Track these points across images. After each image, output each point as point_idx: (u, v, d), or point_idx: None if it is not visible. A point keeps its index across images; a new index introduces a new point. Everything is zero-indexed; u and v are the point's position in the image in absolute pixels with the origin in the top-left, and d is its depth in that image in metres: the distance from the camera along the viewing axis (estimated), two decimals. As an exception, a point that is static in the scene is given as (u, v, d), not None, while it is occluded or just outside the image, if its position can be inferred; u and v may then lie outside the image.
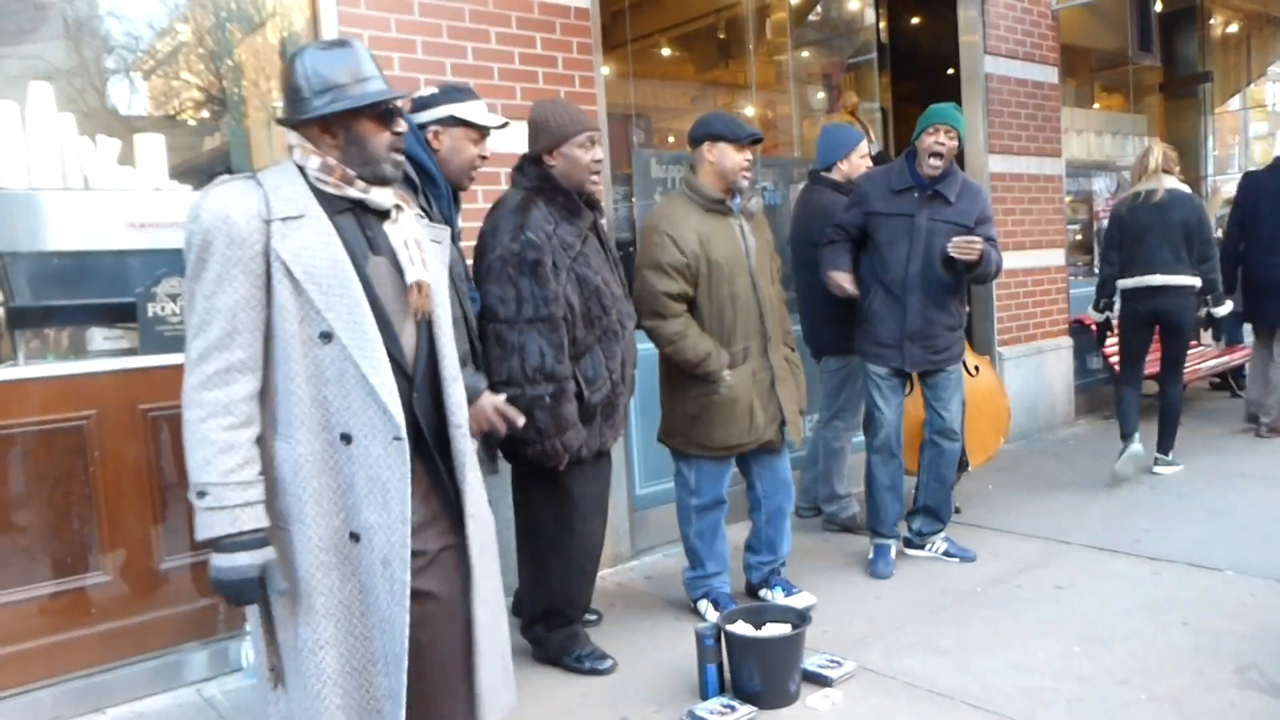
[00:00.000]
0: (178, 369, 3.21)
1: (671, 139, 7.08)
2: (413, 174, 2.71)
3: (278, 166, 1.99)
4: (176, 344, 3.27)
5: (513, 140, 3.74)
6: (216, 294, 1.84)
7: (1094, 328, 5.91)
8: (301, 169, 1.97)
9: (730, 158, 3.48)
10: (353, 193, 1.97)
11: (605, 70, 4.56)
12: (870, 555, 4.16)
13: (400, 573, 1.92)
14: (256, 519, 1.87)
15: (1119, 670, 3.07)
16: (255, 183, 1.92)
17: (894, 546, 4.18)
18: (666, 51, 7.39)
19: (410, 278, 1.99)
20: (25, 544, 3.07)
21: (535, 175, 3.12)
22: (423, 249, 2.06)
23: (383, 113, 1.98)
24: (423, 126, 2.89)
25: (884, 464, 4.12)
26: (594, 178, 3.17)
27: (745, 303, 3.52)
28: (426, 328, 2.06)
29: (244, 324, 1.85)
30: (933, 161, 3.92)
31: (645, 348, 4.44)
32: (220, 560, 1.86)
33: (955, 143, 3.93)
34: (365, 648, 1.95)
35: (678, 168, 5.18)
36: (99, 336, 3.46)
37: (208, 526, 1.85)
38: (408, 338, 2.01)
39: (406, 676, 1.93)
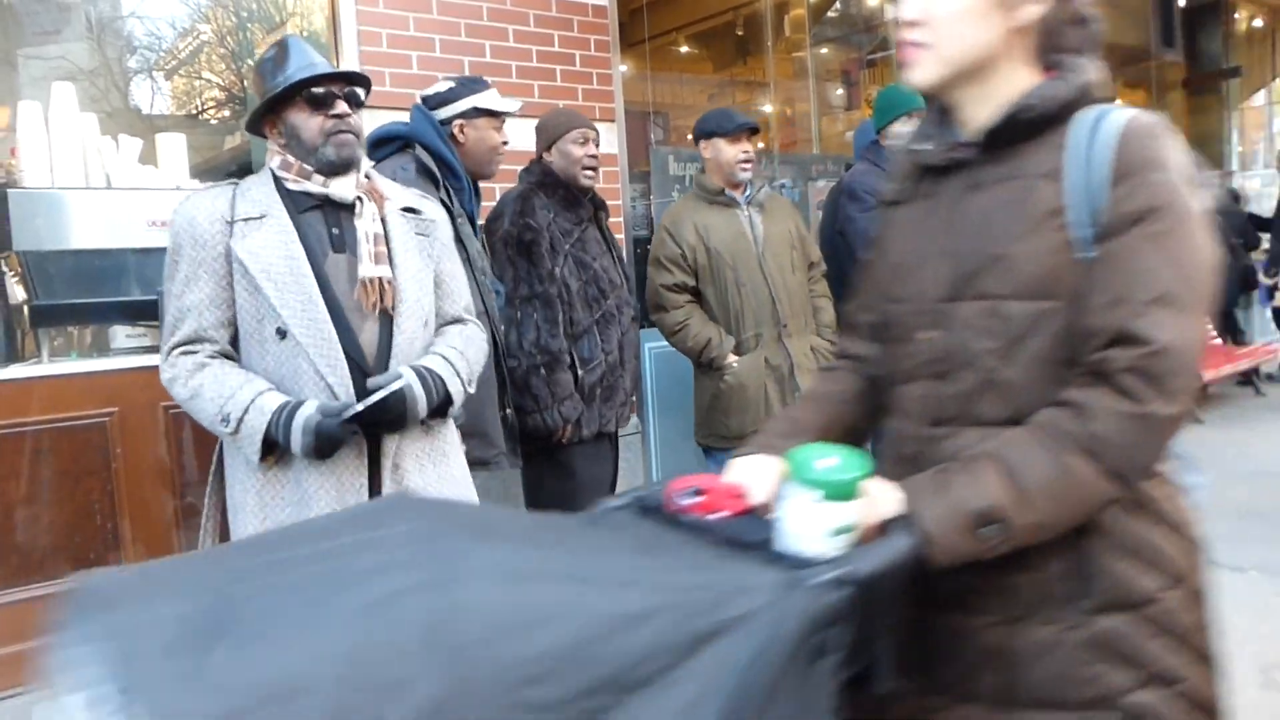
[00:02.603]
0: (199, 366, 3.29)
1: (690, 136, 7.08)
2: (433, 167, 2.73)
3: (261, 172, 2.04)
4: (197, 342, 3.30)
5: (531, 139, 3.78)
6: (186, 293, 1.91)
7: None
8: (270, 170, 2.00)
9: (724, 151, 3.55)
10: (313, 187, 1.97)
11: (623, 68, 4.56)
12: None
13: None
14: (277, 396, 1.87)
15: (1140, 670, 3.04)
16: (230, 187, 1.97)
17: None
18: (684, 48, 7.39)
19: (361, 273, 1.96)
20: (49, 540, 3.10)
21: (538, 171, 3.31)
22: (382, 242, 2.01)
23: (311, 98, 1.95)
24: (445, 122, 2.91)
25: None
26: (587, 172, 3.29)
27: (754, 289, 3.54)
28: (387, 324, 2.00)
29: (209, 321, 1.92)
30: None
31: (657, 346, 4.45)
32: (292, 445, 1.84)
33: None
34: None
35: (696, 165, 5.18)
36: (121, 334, 3.49)
37: (252, 435, 1.84)
38: (368, 334, 1.98)
39: None
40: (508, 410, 2.87)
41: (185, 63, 5.30)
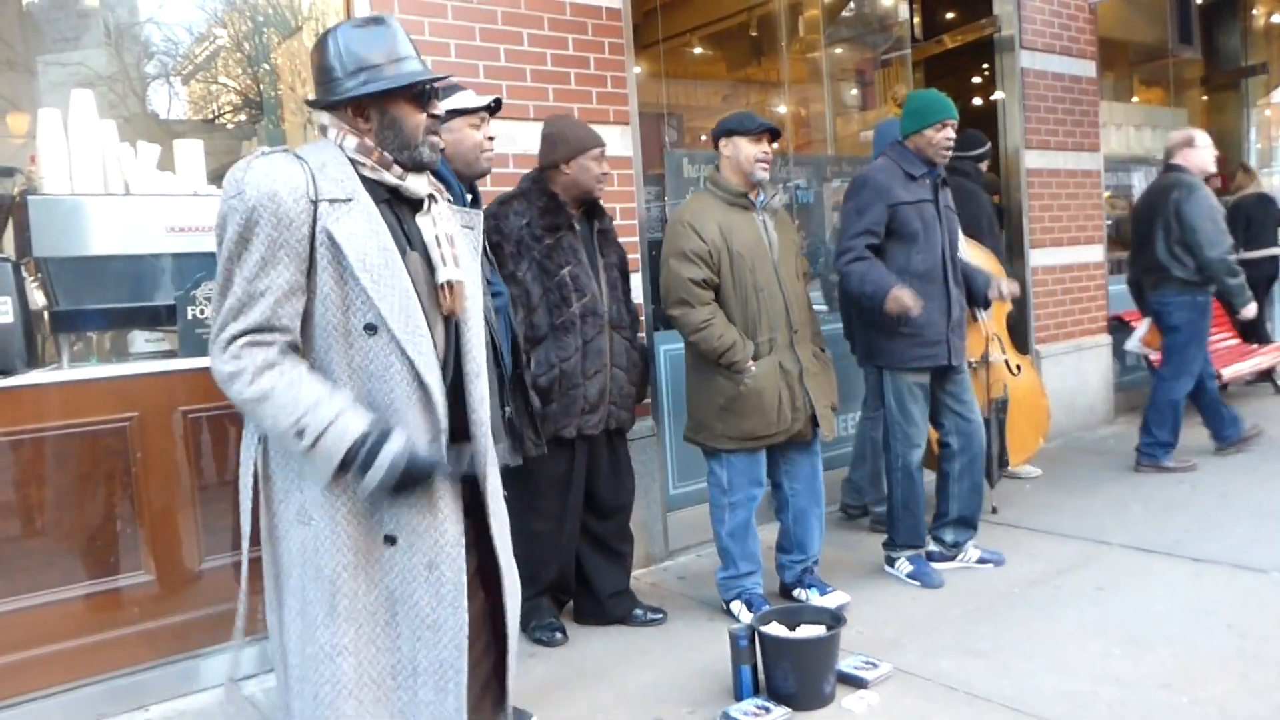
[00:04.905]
0: (217, 371, 3.31)
1: (704, 138, 7.07)
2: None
3: (315, 144, 1.88)
4: (215, 346, 3.32)
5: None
6: (259, 277, 1.73)
7: None
8: (340, 149, 1.87)
9: (744, 150, 3.58)
10: (389, 178, 1.87)
11: (637, 70, 4.56)
12: (909, 569, 3.96)
13: (451, 575, 1.83)
14: (362, 417, 1.74)
15: (1161, 673, 3.02)
16: (298, 159, 1.80)
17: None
18: (698, 50, 7.38)
19: (441, 277, 1.88)
20: (69, 544, 3.12)
21: (530, 179, 3.50)
22: (455, 243, 1.94)
23: (419, 93, 1.88)
24: None
25: (920, 478, 3.97)
26: (600, 187, 3.50)
27: (770, 294, 3.55)
28: (454, 324, 1.95)
29: (286, 310, 1.76)
30: (944, 153, 3.86)
31: (672, 348, 4.45)
32: (370, 478, 1.71)
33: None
34: (388, 658, 1.84)
35: (710, 167, 5.16)
36: (140, 339, 3.52)
37: (328, 456, 1.71)
38: (438, 336, 1.90)
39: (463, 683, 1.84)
40: (506, 408, 2.91)
41: (202, 68, 5.33)
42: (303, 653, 1.83)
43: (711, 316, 3.50)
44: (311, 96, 1.95)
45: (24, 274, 3.27)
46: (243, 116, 5.42)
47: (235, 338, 1.74)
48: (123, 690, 3.17)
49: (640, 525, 4.32)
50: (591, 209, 3.57)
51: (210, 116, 5.45)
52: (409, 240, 1.89)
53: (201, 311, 3.30)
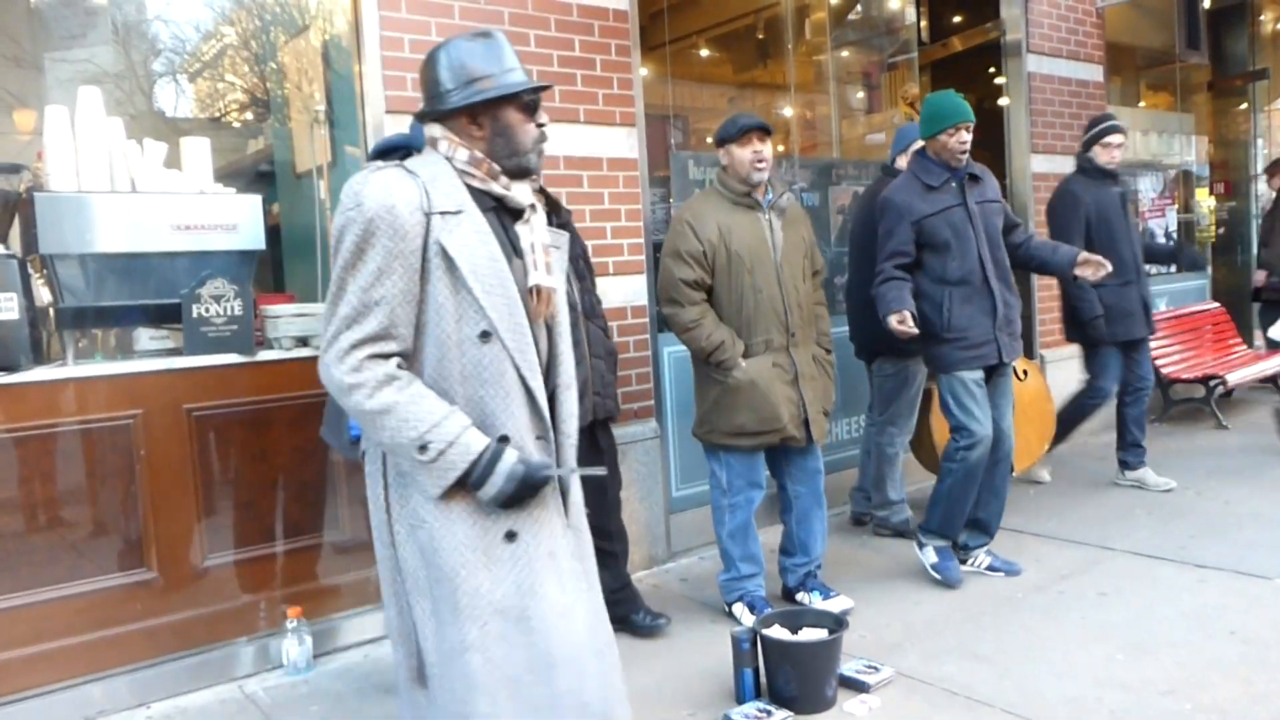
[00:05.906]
0: (220, 370, 3.33)
1: (709, 139, 7.07)
2: None
3: (424, 158, 1.94)
4: (219, 345, 3.33)
5: (550, 144, 3.79)
6: (375, 286, 1.80)
7: None
8: (449, 162, 1.92)
9: (737, 156, 3.60)
10: (496, 188, 1.93)
11: (643, 71, 4.56)
12: (934, 560, 3.96)
13: (568, 563, 1.93)
14: (481, 437, 1.83)
15: (1164, 679, 3.02)
16: (410, 173, 1.87)
17: None
18: (705, 52, 7.38)
19: (531, 281, 1.94)
20: (73, 541, 3.13)
21: None
22: (549, 253, 2.01)
23: (528, 104, 1.96)
24: None
25: (976, 475, 3.89)
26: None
27: (768, 296, 3.57)
28: (548, 334, 2.02)
29: (401, 318, 1.82)
30: (960, 157, 3.84)
31: (675, 350, 4.45)
32: (488, 490, 1.82)
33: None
34: (522, 654, 1.87)
35: (716, 169, 5.17)
36: (145, 337, 3.53)
37: (446, 470, 1.80)
38: (542, 343, 1.98)
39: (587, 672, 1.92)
40: None
41: (209, 66, 5.34)
42: (439, 649, 1.89)
43: (701, 317, 3.54)
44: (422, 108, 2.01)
45: (30, 270, 3.28)
46: (249, 115, 5.43)
47: (353, 347, 1.81)
48: (125, 687, 3.17)
49: (643, 527, 4.32)
50: (549, 205, 3.53)
51: (217, 114, 5.46)
52: (515, 248, 1.96)
53: (206, 310, 3.31)
